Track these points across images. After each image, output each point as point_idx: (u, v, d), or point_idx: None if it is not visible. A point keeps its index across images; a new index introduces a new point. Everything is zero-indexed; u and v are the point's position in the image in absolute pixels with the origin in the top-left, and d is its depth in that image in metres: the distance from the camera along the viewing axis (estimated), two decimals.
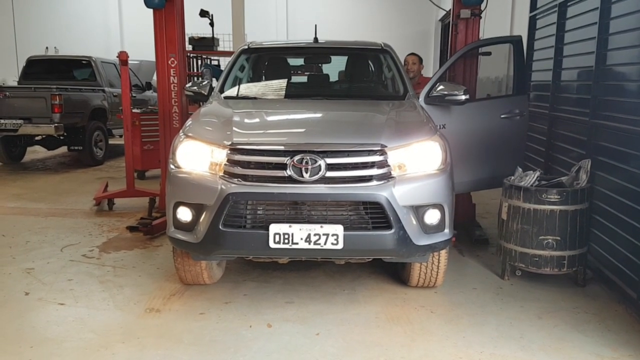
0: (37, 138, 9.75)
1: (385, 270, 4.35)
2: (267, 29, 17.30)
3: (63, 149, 10.26)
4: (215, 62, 12.75)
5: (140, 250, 5.00)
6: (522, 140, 5.09)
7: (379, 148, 3.33)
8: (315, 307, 3.75)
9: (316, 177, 3.25)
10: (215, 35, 10.70)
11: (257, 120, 3.99)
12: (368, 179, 3.29)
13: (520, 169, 4.44)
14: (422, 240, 3.38)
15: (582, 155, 4.68)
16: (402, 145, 3.42)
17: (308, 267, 4.41)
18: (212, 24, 10.28)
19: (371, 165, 3.32)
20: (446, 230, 3.52)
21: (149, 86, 11.63)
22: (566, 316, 3.66)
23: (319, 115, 4.06)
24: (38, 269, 4.46)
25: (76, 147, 9.50)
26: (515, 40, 5.10)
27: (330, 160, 3.27)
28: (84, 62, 10.57)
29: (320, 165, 3.25)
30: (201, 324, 3.52)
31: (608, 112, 4.41)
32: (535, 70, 6.52)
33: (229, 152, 3.37)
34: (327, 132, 3.61)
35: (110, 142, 10.67)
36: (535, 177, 4.26)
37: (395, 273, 4.27)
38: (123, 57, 6.16)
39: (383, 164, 3.33)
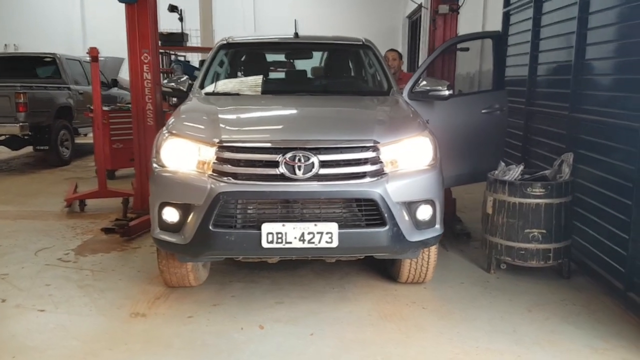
0: (0, 138, 9.38)
1: (373, 267, 4.32)
2: (234, 24, 17.10)
3: (27, 149, 9.91)
4: (181, 59, 12.51)
5: (118, 252, 4.84)
6: (502, 135, 5.13)
7: (372, 144, 3.29)
8: (306, 307, 3.69)
9: (309, 174, 3.19)
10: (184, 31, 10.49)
11: (244, 116, 3.90)
12: (361, 175, 3.25)
13: (503, 163, 4.47)
14: (415, 237, 3.36)
15: (561, 148, 4.75)
16: (394, 141, 3.38)
17: (295, 266, 4.34)
18: (181, 19, 10.07)
19: (364, 161, 3.27)
20: (437, 226, 3.51)
21: (114, 83, 11.33)
22: (555, 309, 3.69)
23: (308, 111, 3.98)
24: (13, 275, 4.27)
25: (42, 147, 9.17)
26: (495, 36, 5.13)
27: (323, 157, 3.21)
28: (48, 59, 10.20)
29: (313, 163, 3.19)
30: (190, 328, 3.42)
31: (588, 105, 4.48)
32: (509, 65, 6.60)
33: (217, 149, 3.28)
34: (318, 128, 3.54)
35: (76, 141, 10.35)
36: (518, 171, 4.29)
37: (383, 269, 4.25)
38: (94, 53, 5.95)
39: (376, 161, 3.29)
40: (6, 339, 3.27)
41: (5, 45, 16.88)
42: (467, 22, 7.83)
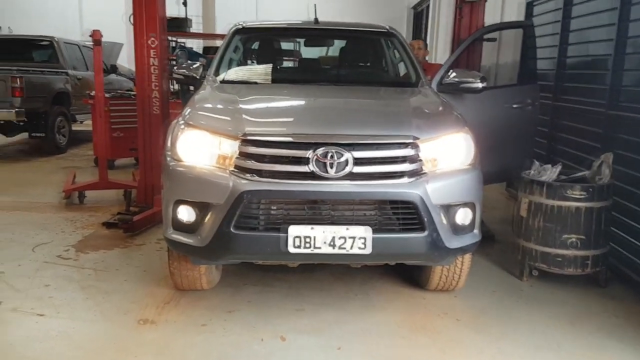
0: None
1: (396, 271, 4.02)
2: (236, 10, 16.68)
3: (21, 136, 9.51)
4: (181, 45, 12.12)
5: (121, 250, 4.53)
6: (533, 132, 4.84)
7: (411, 140, 2.98)
8: (329, 316, 3.40)
9: (342, 173, 2.88)
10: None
11: (269, 107, 3.58)
12: (399, 175, 2.94)
13: (537, 163, 4.18)
14: (454, 243, 3.06)
15: (594, 148, 4.47)
16: (434, 137, 3.07)
17: (312, 269, 4.03)
18: (185, 4, 9.72)
19: (402, 159, 2.96)
20: (475, 231, 3.22)
21: (114, 69, 10.96)
22: (598, 321, 3.42)
23: (338, 103, 3.66)
24: (9, 273, 3.95)
25: (38, 134, 8.81)
26: (526, 25, 4.83)
27: (357, 154, 2.90)
28: (45, 42, 9.80)
29: (346, 160, 2.88)
30: (205, 338, 3.12)
31: (629, 102, 4.19)
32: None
33: (241, 143, 2.96)
34: (352, 122, 3.22)
35: (73, 128, 9.96)
36: (556, 172, 4.01)
37: (408, 275, 3.95)
38: (96, 37, 5.60)
39: (415, 159, 2.98)
40: (3, 348, 2.96)
41: (0, 27, 16.36)
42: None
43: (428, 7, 13.96)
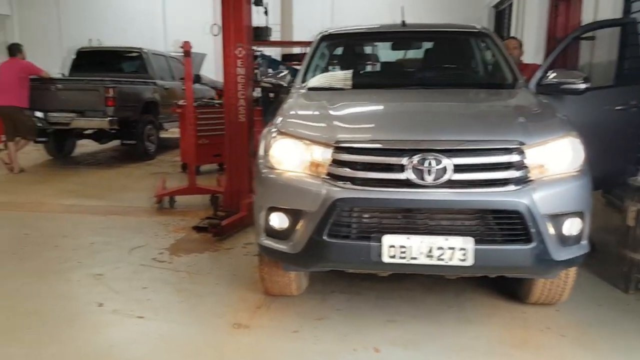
0: (87, 131, 9.48)
1: (491, 282, 3.84)
2: (312, 18, 16.78)
3: (111, 143, 9.98)
4: (258, 53, 12.29)
5: (212, 253, 4.62)
6: (637, 136, 4.51)
7: (517, 146, 2.83)
8: (423, 328, 3.29)
9: (440, 180, 2.78)
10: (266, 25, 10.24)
11: (361, 113, 3.53)
12: (503, 183, 2.80)
13: None
14: (562, 255, 2.88)
15: None
16: (541, 142, 2.91)
17: (400, 278, 3.90)
18: (266, 13, 9.85)
19: (507, 166, 2.82)
20: (583, 242, 3.02)
21: (197, 79, 11.28)
22: None
23: (433, 106, 3.55)
24: (108, 275, 4.11)
25: (129, 142, 9.21)
26: (628, 23, 4.52)
27: (457, 161, 2.79)
28: (134, 54, 10.25)
29: (445, 167, 2.77)
30: (297, 345, 3.10)
31: None
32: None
33: (334, 151, 2.92)
34: (451, 126, 3.09)
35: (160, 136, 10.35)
36: None
37: (502, 286, 3.77)
38: (187, 48, 5.79)
39: (521, 165, 2.82)
40: (105, 350, 3.06)
41: (90, 39, 17.26)
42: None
43: (511, 5, 13.46)
